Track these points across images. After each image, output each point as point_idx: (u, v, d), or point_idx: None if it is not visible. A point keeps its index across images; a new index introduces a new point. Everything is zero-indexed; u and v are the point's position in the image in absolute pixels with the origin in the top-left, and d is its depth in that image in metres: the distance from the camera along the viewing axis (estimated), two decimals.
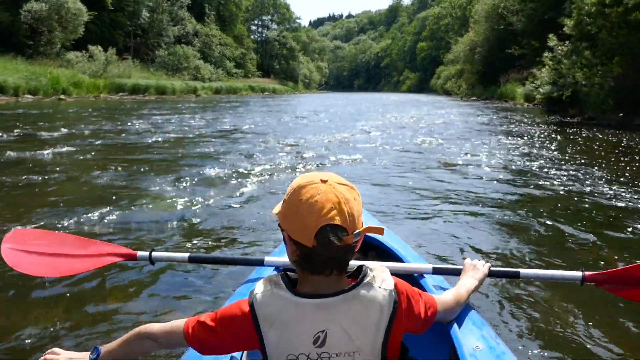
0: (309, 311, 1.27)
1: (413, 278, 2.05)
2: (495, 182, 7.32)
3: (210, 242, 4.26)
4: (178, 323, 1.45)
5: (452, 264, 3.54)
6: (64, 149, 9.40)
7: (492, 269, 1.97)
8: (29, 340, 2.64)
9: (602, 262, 4.04)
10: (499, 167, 8.41)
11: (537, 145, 11.93)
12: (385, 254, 2.35)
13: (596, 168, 8.56)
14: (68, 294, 3.15)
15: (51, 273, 2.32)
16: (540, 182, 7.25)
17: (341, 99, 48.96)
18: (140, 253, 2.24)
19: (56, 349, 1.62)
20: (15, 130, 12.15)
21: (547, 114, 22.82)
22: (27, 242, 2.24)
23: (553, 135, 14.09)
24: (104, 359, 1.54)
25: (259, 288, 1.33)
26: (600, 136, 14.18)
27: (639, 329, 2.91)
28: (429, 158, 9.60)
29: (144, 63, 51.54)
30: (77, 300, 3.09)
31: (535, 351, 2.67)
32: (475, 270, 1.92)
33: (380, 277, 1.33)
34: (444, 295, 1.70)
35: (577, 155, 10.25)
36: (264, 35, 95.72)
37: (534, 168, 8.55)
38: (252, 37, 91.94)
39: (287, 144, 11.36)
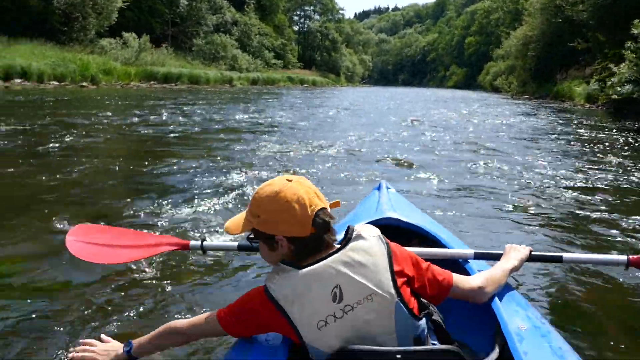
0: (318, 275, 1.43)
1: (457, 264, 2.09)
2: (551, 182, 6.83)
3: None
4: (207, 315, 1.61)
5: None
6: (74, 139, 8.98)
7: (533, 253, 1.99)
8: (77, 325, 2.63)
9: None
10: (561, 173, 7.50)
11: (607, 151, 9.98)
12: (428, 240, 2.37)
13: None
14: (121, 281, 3.18)
15: (109, 260, 2.47)
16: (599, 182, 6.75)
17: (384, 94, 46.75)
18: (192, 242, 2.35)
19: (92, 340, 1.80)
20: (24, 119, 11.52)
21: (616, 117, 19.81)
22: (88, 235, 2.48)
23: (630, 142, 11.59)
24: (136, 351, 1.69)
25: (269, 280, 1.48)
26: None
27: None
28: (480, 157, 8.96)
29: (181, 52, 50.39)
30: (129, 286, 3.12)
31: (580, 333, 2.66)
32: (515, 252, 1.96)
33: (366, 229, 1.52)
34: (474, 276, 1.76)
35: None
36: (305, 26, 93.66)
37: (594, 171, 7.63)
38: (293, 27, 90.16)
39: (321, 140, 10.47)
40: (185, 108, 17.39)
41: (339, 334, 1.42)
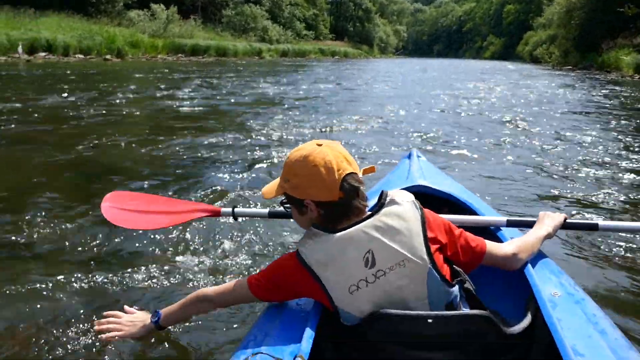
0: (350, 239, 1.42)
1: (489, 231, 2.07)
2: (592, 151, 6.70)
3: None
4: (238, 282, 1.62)
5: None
6: (96, 113, 8.87)
7: (568, 220, 1.94)
8: (104, 293, 2.66)
9: None
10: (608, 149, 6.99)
11: None
12: (459, 208, 2.32)
13: None
14: (154, 248, 3.23)
15: (142, 226, 2.53)
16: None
17: (418, 65, 45.11)
18: (224, 209, 2.35)
19: (116, 312, 1.85)
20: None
21: None
22: (123, 202, 2.51)
23: None
24: (164, 321, 1.74)
25: (301, 245, 1.48)
26: None
27: None
28: (517, 131, 8.48)
29: (211, 23, 49.62)
30: (162, 252, 3.18)
31: (615, 301, 2.60)
32: (549, 219, 1.91)
33: (400, 195, 1.50)
34: (507, 243, 1.75)
35: None
36: None
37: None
38: None
39: (350, 113, 10.16)
40: (213, 81, 16.91)
41: (370, 298, 1.40)
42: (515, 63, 60.42)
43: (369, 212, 1.49)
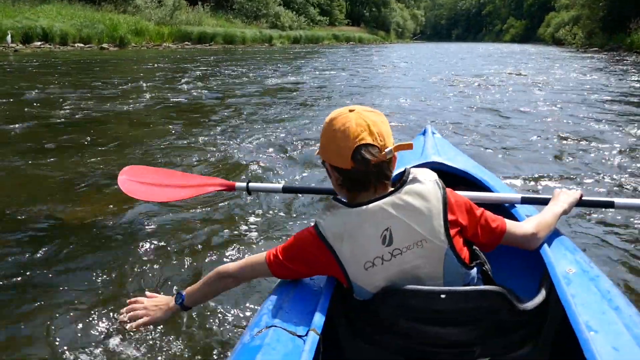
0: (369, 215, 1.37)
1: (503, 208, 2.05)
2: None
3: (303, 175, 4.48)
4: (256, 257, 1.61)
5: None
6: (84, 106, 8.31)
7: (584, 198, 1.92)
8: (129, 267, 2.70)
9: None
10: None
11: None
12: (474, 185, 2.32)
13: None
14: (170, 224, 3.29)
15: (158, 198, 2.66)
16: None
17: (435, 50, 43.41)
18: (238, 184, 2.41)
19: (139, 298, 1.83)
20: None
21: None
22: (139, 175, 2.62)
23: None
24: (188, 301, 1.71)
25: (320, 215, 1.46)
26: None
27: None
28: (539, 119, 7.76)
29: (222, 10, 48.41)
30: (179, 228, 3.22)
31: (631, 278, 2.61)
32: (565, 195, 1.89)
33: (422, 173, 1.45)
34: (526, 221, 1.70)
35: None
36: None
37: None
38: None
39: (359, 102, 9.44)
40: (209, 70, 15.85)
41: (385, 276, 1.39)
42: (537, 45, 58.81)
43: (391, 189, 1.42)
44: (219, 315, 2.28)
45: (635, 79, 14.25)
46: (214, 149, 5.37)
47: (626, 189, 4.07)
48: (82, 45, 25.63)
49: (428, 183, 1.42)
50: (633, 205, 2.10)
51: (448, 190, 1.45)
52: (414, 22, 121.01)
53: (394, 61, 24.61)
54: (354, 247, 1.39)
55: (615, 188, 4.08)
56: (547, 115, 7.81)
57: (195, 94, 10.12)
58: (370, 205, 1.39)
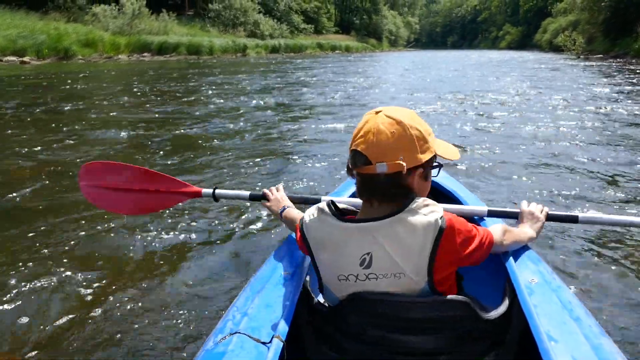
0: (354, 235, 1.32)
1: (472, 220, 2.06)
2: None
3: (270, 183, 4.36)
4: (298, 222, 1.52)
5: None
6: None
7: (550, 213, 1.95)
8: (94, 274, 2.76)
9: None
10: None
11: None
12: (444, 196, 2.40)
13: None
14: (138, 229, 3.35)
15: (128, 211, 2.54)
16: None
17: (425, 58, 40.69)
18: (205, 190, 2.35)
19: (279, 186, 2.14)
20: None
21: None
22: (100, 177, 2.38)
23: None
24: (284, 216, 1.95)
25: (308, 214, 1.42)
26: None
27: None
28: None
29: (199, 19, 45.29)
30: (143, 234, 3.28)
31: (590, 290, 2.67)
32: (533, 218, 1.89)
33: (430, 207, 1.33)
34: (496, 227, 1.67)
35: None
36: None
37: None
38: None
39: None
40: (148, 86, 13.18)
41: (356, 290, 1.36)
42: (534, 52, 56.00)
43: (388, 213, 1.32)
44: (182, 320, 2.33)
45: None
46: (181, 149, 5.60)
47: (591, 203, 4.04)
48: (14, 58, 22.33)
49: (425, 218, 1.30)
50: (596, 220, 2.15)
51: (451, 220, 1.33)
52: (408, 29, 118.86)
53: (373, 73, 21.39)
54: (332, 258, 1.36)
55: (581, 201, 4.08)
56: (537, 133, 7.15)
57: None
58: (359, 225, 1.32)
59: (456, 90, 12.97)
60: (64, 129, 7.29)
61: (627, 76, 16.63)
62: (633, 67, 20.92)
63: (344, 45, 60.65)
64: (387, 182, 1.32)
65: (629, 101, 10.23)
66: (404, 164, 1.30)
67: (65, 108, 9.48)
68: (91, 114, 8.90)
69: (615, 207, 4.00)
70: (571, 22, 50.11)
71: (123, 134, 6.93)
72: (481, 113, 8.97)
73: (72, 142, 6.39)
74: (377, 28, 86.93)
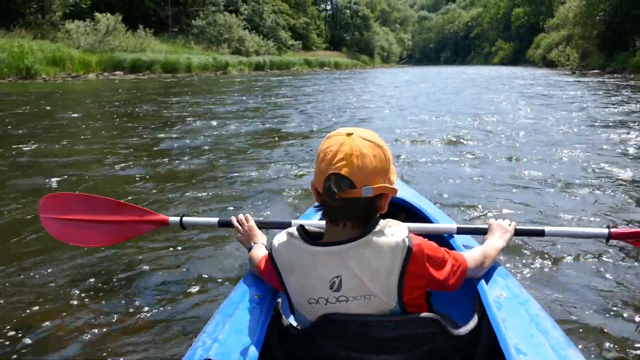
0: (322, 258, 1.33)
1: (442, 238, 2.11)
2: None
3: (239, 209, 4.32)
4: (261, 258, 1.62)
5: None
6: None
7: (517, 227, 1.99)
8: (52, 305, 2.63)
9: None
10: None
11: None
12: (415, 216, 2.42)
13: None
14: (97, 258, 3.21)
15: (90, 243, 2.46)
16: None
17: (415, 75, 38.93)
18: (171, 219, 2.30)
19: (248, 216, 2.04)
20: None
21: None
22: (63, 209, 2.31)
23: None
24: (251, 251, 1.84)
25: (277, 239, 1.42)
26: None
27: None
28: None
29: (184, 35, 43.90)
30: (108, 263, 3.17)
31: (558, 301, 2.69)
32: (502, 230, 1.92)
33: (394, 227, 1.34)
34: (473, 252, 1.70)
35: None
36: (334, 2, 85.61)
37: None
38: (321, 5, 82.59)
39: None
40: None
41: (326, 312, 1.37)
42: (527, 68, 55.03)
43: (355, 235, 1.33)
44: (152, 347, 2.27)
45: None
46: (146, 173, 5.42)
47: (559, 218, 4.09)
48: None
49: (392, 238, 1.31)
50: (562, 234, 2.21)
51: (420, 244, 1.35)
52: (401, 46, 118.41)
53: (356, 92, 19.79)
54: (301, 282, 1.36)
55: (547, 216, 4.12)
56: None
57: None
58: (328, 249, 1.33)
59: (441, 112, 11.41)
60: (18, 158, 6.61)
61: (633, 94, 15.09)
62: (632, 85, 19.39)
63: (332, 62, 59.30)
64: (366, 205, 1.32)
65: None
66: (388, 186, 1.33)
67: (18, 132, 8.60)
68: (44, 140, 7.94)
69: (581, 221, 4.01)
70: (564, 37, 49.15)
71: (84, 161, 6.46)
72: (460, 138, 7.93)
73: (30, 170, 5.88)
74: (368, 44, 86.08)
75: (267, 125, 9.81)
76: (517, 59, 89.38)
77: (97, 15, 31.69)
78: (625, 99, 13.54)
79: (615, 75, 26.67)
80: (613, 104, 12.32)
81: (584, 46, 39.44)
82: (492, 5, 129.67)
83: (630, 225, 3.87)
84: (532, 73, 37.03)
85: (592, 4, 35.57)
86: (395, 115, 11.29)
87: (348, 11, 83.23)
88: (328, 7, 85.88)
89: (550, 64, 49.96)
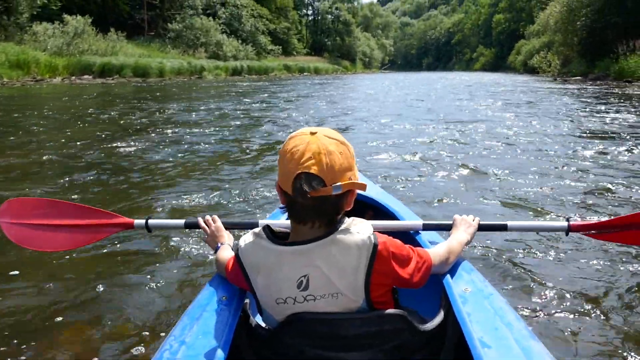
0: (289, 258, 1.32)
1: (409, 235, 2.12)
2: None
3: (205, 209, 4.31)
4: (228, 260, 1.59)
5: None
6: None
7: (481, 222, 2.01)
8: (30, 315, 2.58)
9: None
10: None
11: None
12: (382, 213, 2.42)
13: None
14: (66, 264, 3.15)
15: (54, 247, 2.38)
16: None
17: (394, 80, 38.39)
18: (137, 221, 2.25)
19: (215, 217, 1.97)
20: None
21: None
22: (24, 214, 2.25)
23: None
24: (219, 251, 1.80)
25: (243, 239, 1.42)
26: None
27: (617, 275, 2.93)
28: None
29: (160, 39, 42.79)
30: (75, 270, 3.11)
31: (521, 294, 2.74)
32: (466, 224, 1.94)
33: (359, 225, 1.35)
34: (438, 248, 1.71)
35: None
36: (315, 7, 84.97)
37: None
38: (303, 10, 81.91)
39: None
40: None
41: (294, 312, 1.36)
42: (509, 74, 54.97)
43: (323, 234, 1.33)
44: (118, 351, 2.26)
45: None
46: (112, 175, 5.38)
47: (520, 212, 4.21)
48: None
49: (358, 236, 1.32)
50: (523, 228, 2.29)
51: (385, 242, 1.35)
52: (382, 51, 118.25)
53: (330, 99, 18.95)
54: (268, 282, 1.36)
55: (509, 211, 4.24)
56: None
57: None
58: (294, 248, 1.32)
59: (417, 118, 10.61)
60: None
61: (621, 104, 14.44)
62: (618, 91, 18.80)
63: (312, 67, 58.52)
64: (335, 202, 1.32)
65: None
66: (355, 182, 1.33)
67: None
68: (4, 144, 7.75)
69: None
70: (544, 43, 48.98)
71: (46, 166, 6.28)
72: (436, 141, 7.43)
73: None
74: (350, 50, 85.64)
75: (238, 131, 9.53)
76: (498, 65, 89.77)
77: (66, 17, 30.52)
78: (610, 108, 12.86)
79: (598, 82, 26.20)
80: (597, 112, 11.61)
81: (565, 53, 39.13)
82: (473, 12, 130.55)
83: (588, 218, 3.95)
84: (515, 80, 36.59)
85: (573, 10, 35.20)
86: (371, 123, 10.49)
87: (329, 16, 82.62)
88: (309, 12, 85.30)
89: (532, 71, 49.76)
